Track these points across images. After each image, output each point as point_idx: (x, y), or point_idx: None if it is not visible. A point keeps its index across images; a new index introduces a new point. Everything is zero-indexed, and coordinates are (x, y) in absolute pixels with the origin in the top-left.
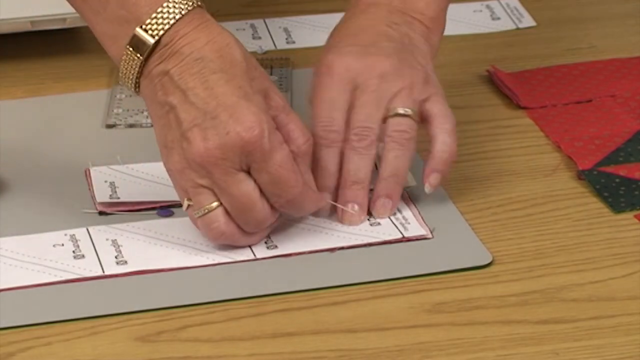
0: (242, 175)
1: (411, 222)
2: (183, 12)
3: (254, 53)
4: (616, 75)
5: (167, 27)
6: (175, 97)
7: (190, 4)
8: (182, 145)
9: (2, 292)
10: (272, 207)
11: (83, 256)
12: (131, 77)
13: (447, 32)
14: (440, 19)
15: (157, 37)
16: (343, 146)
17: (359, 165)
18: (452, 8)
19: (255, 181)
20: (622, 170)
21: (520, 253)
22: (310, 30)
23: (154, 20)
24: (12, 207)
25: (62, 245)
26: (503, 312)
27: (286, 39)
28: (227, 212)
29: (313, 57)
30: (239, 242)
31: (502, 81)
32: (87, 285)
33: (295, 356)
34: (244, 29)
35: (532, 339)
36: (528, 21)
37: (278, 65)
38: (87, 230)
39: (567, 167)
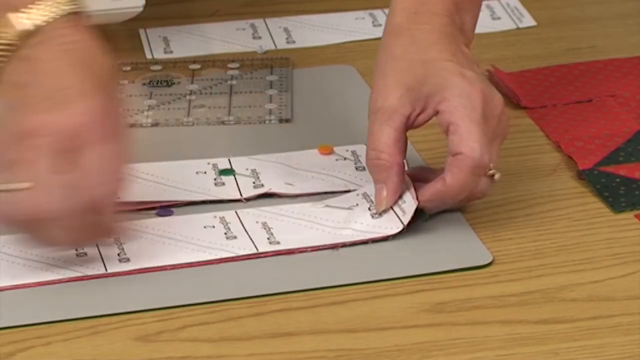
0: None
1: (407, 201)
2: (62, 13)
3: (253, 53)
4: (616, 75)
5: (48, 18)
6: (31, 77)
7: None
8: (19, 115)
9: (2, 292)
10: None
11: (85, 254)
12: None
13: None
14: (472, 38)
15: (35, 25)
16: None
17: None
18: None
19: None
20: (623, 170)
21: (520, 253)
22: (310, 30)
23: (34, 10)
24: None
25: None
26: (503, 312)
27: (286, 38)
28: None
29: (313, 57)
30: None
31: (502, 81)
32: (87, 285)
33: (295, 356)
34: (244, 29)
35: (532, 339)
36: (528, 21)
37: (278, 65)
38: None
39: (567, 167)
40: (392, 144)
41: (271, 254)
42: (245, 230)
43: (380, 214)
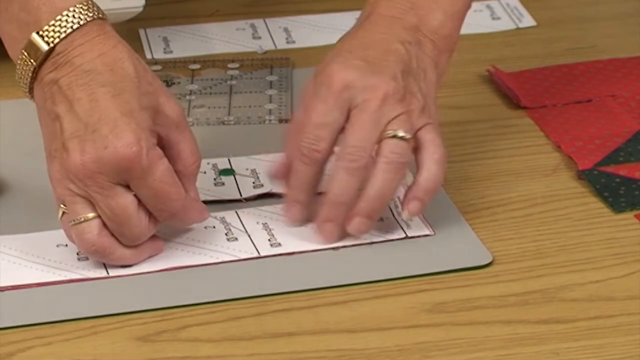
0: (119, 189)
1: (414, 220)
2: (81, 23)
3: (253, 53)
4: (616, 75)
5: (63, 35)
6: (62, 107)
7: (91, 15)
8: (62, 155)
9: (3, 292)
10: (153, 221)
11: (86, 258)
12: (25, 82)
13: None
14: (452, 38)
15: (51, 45)
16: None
17: (347, 186)
18: None
19: (135, 195)
20: (622, 170)
21: (520, 253)
22: (310, 30)
23: (51, 27)
24: (12, 207)
25: (66, 245)
26: (503, 312)
27: (286, 38)
28: (103, 225)
29: (313, 57)
30: (112, 257)
31: (502, 81)
32: (88, 285)
33: (295, 356)
34: (244, 29)
35: (532, 339)
36: (528, 21)
37: (278, 65)
38: None
39: (567, 167)
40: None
41: (274, 255)
42: (246, 232)
43: (381, 219)
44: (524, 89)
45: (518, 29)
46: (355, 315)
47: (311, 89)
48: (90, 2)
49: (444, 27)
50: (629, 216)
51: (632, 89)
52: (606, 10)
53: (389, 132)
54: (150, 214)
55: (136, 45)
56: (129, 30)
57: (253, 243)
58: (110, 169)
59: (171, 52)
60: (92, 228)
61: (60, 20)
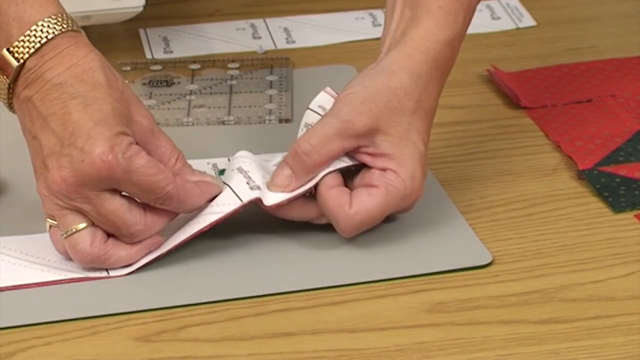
0: (106, 195)
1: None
2: (49, 37)
3: (253, 53)
4: (616, 75)
5: (32, 50)
6: (38, 124)
7: (59, 28)
8: (44, 173)
9: (3, 292)
10: (151, 214)
11: None
12: (4, 99)
13: None
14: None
15: (21, 61)
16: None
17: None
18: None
19: (122, 195)
20: (622, 170)
21: (520, 253)
22: (310, 30)
23: (20, 43)
24: (12, 207)
25: None
26: (503, 312)
27: (286, 38)
28: (94, 233)
29: (313, 57)
30: (108, 263)
31: (502, 81)
32: (87, 285)
33: (295, 356)
34: (244, 29)
35: (532, 339)
36: (528, 21)
37: (278, 65)
38: None
39: (567, 167)
40: (331, 157)
41: (255, 200)
42: (225, 182)
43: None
44: (524, 89)
45: (518, 29)
46: (355, 315)
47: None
48: (61, 14)
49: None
50: (629, 216)
51: (632, 89)
52: (606, 10)
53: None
54: (147, 209)
55: (136, 45)
56: (129, 30)
57: (233, 191)
58: (91, 180)
59: (171, 52)
60: (85, 238)
61: (29, 35)
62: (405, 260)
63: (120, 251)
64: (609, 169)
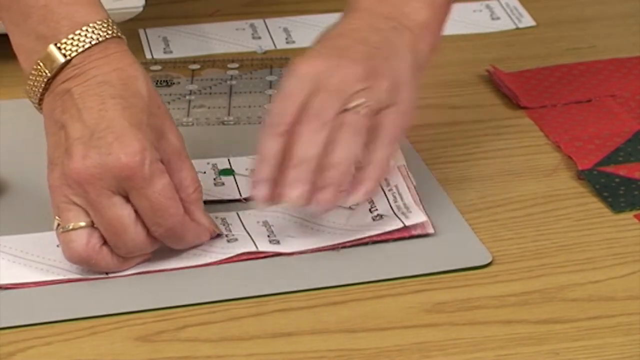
0: (118, 199)
1: (412, 211)
2: (100, 39)
3: (253, 53)
4: (616, 75)
5: (81, 49)
6: (70, 114)
7: (110, 33)
8: (64, 160)
9: (3, 292)
10: (150, 236)
11: None
12: (37, 92)
13: (447, 32)
14: (431, 27)
15: (68, 57)
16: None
17: (310, 141)
18: (452, 8)
19: (133, 207)
20: (622, 170)
21: (520, 253)
22: (310, 30)
23: (69, 41)
24: (12, 207)
25: None
26: (503, 312)
27: (286, 39)
28: (95, 235)
29: None
30: (96, 268)
31: (502, 81)
32: (87, 285)
33: (295, 356)
34: (244, 29)
35: (532, 339)
36: (528, 21)
37: (278, 65)
38: None
39: (567, 167)
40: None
41: (271, 254)
42: (246, 231)
43: (381, 217)
44: (524, 89)
45: (518, 29)
46: (355, 315)
47: (280, 86)
48: (109, 20)
49: (418, 14)
50: (628, 216)
51: (632, 89)
52: (606, 10)
53: (351, 103)
54: (149, 231)
55: (136, 45)
56: (129, 30)
57: (252, 239)
58: (111, 176)
59: (171, 52)
60: (81, 237)
61: (79, 34)
62: (405, 260)
63: (111, 260)
64: (609, 169)
